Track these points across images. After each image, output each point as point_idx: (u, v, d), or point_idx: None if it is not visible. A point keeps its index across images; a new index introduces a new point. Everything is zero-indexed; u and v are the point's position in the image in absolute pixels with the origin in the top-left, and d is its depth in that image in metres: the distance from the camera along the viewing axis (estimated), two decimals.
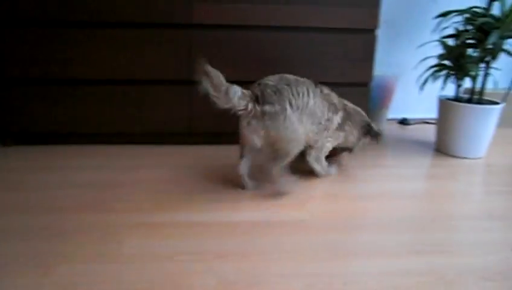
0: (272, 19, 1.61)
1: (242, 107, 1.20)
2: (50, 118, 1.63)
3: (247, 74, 1.65)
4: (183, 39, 1.60)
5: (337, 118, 1.39)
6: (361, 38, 1.67)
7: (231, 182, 1.39)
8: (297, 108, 1.25)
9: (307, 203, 1.27)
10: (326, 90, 1.37)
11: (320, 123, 1.33)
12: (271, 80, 1.26)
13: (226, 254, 0.99)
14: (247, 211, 1.21)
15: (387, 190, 1.39)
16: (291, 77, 1.29)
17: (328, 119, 1.35)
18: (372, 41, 1.67)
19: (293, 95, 1.24)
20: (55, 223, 1.11)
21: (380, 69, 2.16)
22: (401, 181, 1.47)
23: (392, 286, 0.88)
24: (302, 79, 1.30)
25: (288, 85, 1.25)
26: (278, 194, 1.30)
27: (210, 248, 1.01)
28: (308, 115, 1.28)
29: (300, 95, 1.25)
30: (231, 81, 1.63)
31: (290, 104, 1.23)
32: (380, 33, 2.13)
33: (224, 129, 1.71)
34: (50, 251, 0.99)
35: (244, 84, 1.64)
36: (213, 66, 1.62)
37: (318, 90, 1.33)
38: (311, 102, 1.28)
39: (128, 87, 1.64)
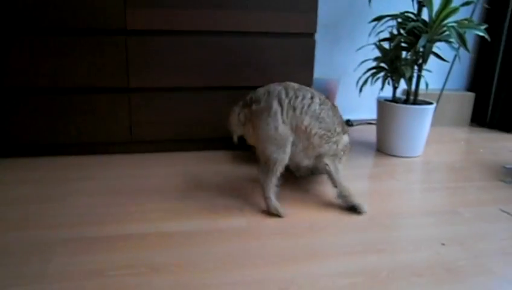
0: (211, 24, 1.59)
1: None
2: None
3: (186, 79, 1.63)
4: (118, 45, 1.54)
5: (346, 138, 1.35)
6: (300, 42, 1.69)
7: (168, 191, 1.36)
8: (293, 108, 1.21)
9: (245, 210, 1.26)
10: (336, 107, 1.34)
11: (329, 131, 1.27)
12: (270, 86, 1.27)
13: (161, 266, 0.96)
14: (183, 221, 1.18)
15: (327, 191, 1.41)
16: (295, 84, 1.28)
17: (338, 134, 1.29)
18: (311, 45, 1.70)
19: (287, 95, 1.22)
20: None
21: (321, 72, 2.21)
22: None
23: (326, 288, 0.89)
24: (310, 88, 1.29)
25: (285, 88, 1.24)
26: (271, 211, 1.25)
27: (144, 261, 0.98)
28: (312, 117, 1.23)
29: (300, 97, 1.22)
30: (172, 87, 1.62)
31: (280, 103, 1.21)
32: (320, 37, 2.19)
33: (164, 136, 1.68)
34: None
35: (184, 90, 1.63)
36: (151, 72, 1.60)
37: (329, 102, 1.30)
38: (317, 107, 1.24)
39: (68, 96, 1.56)
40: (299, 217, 1.22)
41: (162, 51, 1.58)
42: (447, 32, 1.60)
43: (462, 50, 1.58)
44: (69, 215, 1.19)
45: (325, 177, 1.40)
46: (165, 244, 1.05)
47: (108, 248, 1.03)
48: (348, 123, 2.32)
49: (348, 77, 2.28)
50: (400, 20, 1.71)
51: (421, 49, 1.65)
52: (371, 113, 2.38)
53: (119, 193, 1.34)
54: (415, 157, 1.80)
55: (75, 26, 1.50)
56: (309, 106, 1.23)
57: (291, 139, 1.23)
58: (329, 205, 1.31)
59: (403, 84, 1.84)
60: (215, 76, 1.65)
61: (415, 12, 1.73)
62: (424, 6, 1.70)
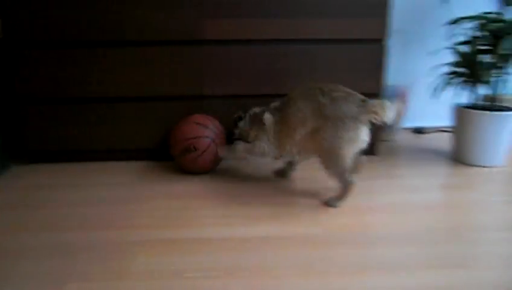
0: (279, 32, 1.61)
1: None
2: (65, 136, 1.66)
3: (256, 87, 1.66)
4: (196, 55, 1.61)
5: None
6: (370, 48, 1.65)
7: (242, 195, 1.39)
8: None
9: (320, 217, 1.25)
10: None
11: None
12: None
13: (237, 270, 0.98)
14: (259, 226, 1.19)
15: (401, 201, 1.36)
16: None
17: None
18: (381, 51, 1.66)
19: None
20: (66, 240, 1.12)
21: (393, 78, 2.15)
22: (416, 192, 1.44)
23: None
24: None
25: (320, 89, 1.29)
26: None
27: (221, 265, 1.00)
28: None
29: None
30: (242, 95, 1.66)
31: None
32: (392, 42, 2.12)
33: None
34: (62, 268, 0.99)
35: (253, 98, 1.66)
36: (222, 81, 1.64)
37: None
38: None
39: (142, 104, 1.65)
40: (374, 227, 1.19)
41: (232, 60, 1.62)
42: None
43: None
44: (147, 217, 1.25)
45: (405, 186, 1.36)
46: (241, 249, 1.07)
47: (186, 250, 1.07)
48: (419, 130, 2.23)
49: (420, 83, 2.20)
50: (480, 21, 1.61)
51: (504, 52, 1.54)
52: (443, 120, 2.27)
53: (194, 197, 1.39)
54: (495, 167, 1.68)
55: (160, 38, 1.59)
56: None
57: None
58: (405, 215, 1.26)
59: (481, 90, 1.73)
60: (283, 83, 1.67)
61: (497, 12, 1.63)
62: (509, 5, 1.60)
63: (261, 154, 1.41)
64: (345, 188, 1.30)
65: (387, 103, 1.22)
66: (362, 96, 1.26)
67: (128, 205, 1.33)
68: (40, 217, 1.25)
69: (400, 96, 2.00)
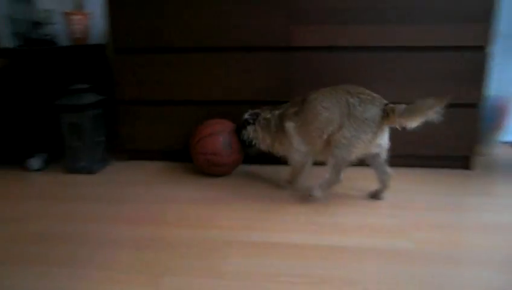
0: (372, 39, 1.57)
1: None
2: (162, 136, 1.76)
3: None
4: (282, 61, 1.63)
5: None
6: (472, 56, 1.55)
7: (347, 204, 1.37)
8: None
9: (411, 232, 1.19)
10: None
11: None
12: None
13: (331, 279, 0.97)
14: (353, 236, 1.17)
15: (498, 221, 1.25)
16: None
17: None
18: (483, 59, 1.55)
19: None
20: (162, 235, 1.19)
21: (494, 88, 1.99)
22: None
23: None
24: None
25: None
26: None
27: (315, 272, 1.00)
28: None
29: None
30: None
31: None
32: (496, 49, 1.97)
33: None
34: (157, 262, 1.05)
35: None
36: (310, 88, 1.64)
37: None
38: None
39: (228, 107, 1.71)
40: (465, 246, 1.11)
41: (320, 67, 1.62)
42: None
43: None
44: (236, 218, 1.29)
45: (503, 205, 1.26)
46: (333, 257, 1.06)
47: (280, 254, 1.08)
48: None
49: None
50: None
51: None
52: None
53: (286, 201, 1.40)
54: None
55: (247, 44, 1.64)
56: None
57: None
58: (499, 236, 1.16)
59: None
60: (380, 92, 1.62)
61: None
62: None
63: (300, 166, 1.44)
64: (331, 182, 1.35)
65: (402, 107, 1.22)
66: (385, 100, 1.27)
67: (216, 205, 1.38)
68: (136, 211, 1.34)
69: (500, 107, 1.86)
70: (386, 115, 1.24)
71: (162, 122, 1.75)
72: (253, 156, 1.62)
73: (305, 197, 1.39)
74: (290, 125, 1.40)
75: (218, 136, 1.55)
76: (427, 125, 1.23)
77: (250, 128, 1.51)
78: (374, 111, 1.25)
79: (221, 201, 1.41)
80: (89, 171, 1.70)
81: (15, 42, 1.73)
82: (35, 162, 1.73)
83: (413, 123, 1.22)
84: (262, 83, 1.66)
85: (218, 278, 0.98)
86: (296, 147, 1.41)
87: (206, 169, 1.60)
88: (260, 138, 1.50)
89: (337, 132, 1.30)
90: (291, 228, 1.22)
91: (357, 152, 1.30)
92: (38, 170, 1.75)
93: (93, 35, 2.10)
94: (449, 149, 1.66)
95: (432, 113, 1.18)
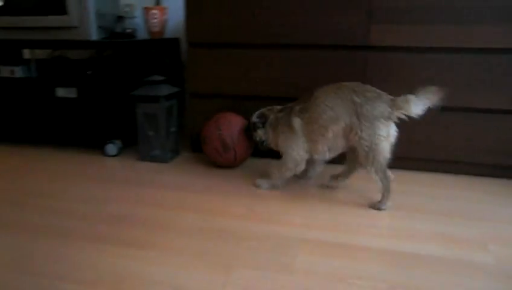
0: (454, 40, 1.50)
1: None
2: None
3: None
4: (359, 60, 1.60)
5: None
6: None
7: (404, 209, 1.34)
8: None
9: (491, 245, 1.13)
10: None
11: None
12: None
13: (402, 286, 0.95)
14: (427, 244, 1.13)
15: None
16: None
17: None
18: None
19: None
20: (230, 227, 1.22)
21: None
22: None
23: None
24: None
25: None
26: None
27: (384, 277, 0.98)
28: None
29: None
30: None
31: None
32: None
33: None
34: (228, 253, 1.08)
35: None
36: (386, 88, 1.60)
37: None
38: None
39: None
40: None
41: (401, 68, 1.57)
42: None
43: None
44: (304, 217, 1.29)
45: None
46: (402, 264, 1.03)
47: (347, 255, 1.07)
48: None
49: None
50: None
51: None
52: None
53: (348, 204, 1.38)
54: None
55: (321, 42, 1.63)
56: None
57: None
58: None
59: None
60: (451, 95, 1.55)
61: None
62: None
63: (295, 166, 1.43)
64: (387, 185, 1.33)
65: (413, 97, 1.25)
66: (390, 96, 1.29)
67: (287, 202, 1.39)
68: (203, 202, 1.39)
69: None
70: (399, 108, 1.27)
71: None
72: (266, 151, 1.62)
73: (374, 205, 1.36)
74: (296, 121, 1.41)
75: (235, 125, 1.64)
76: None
77: (260, 132, 1.53)
78: (382, 107, 1.27)
79: (294, 198, 1.43)
80: (162, 160, 1.78)
81: (100, 35, 1.84)
82: (112, 148, 1.85)
83: (419, 111, 1.26)
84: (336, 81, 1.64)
85: (288, 274, 0.99)
86: (298, 145, 1.41)
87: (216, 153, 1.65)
88: (270, 138, 1.51)
89: (349, 132, 1.32)
90: (365, 231, 1.21)
91: (384, 148, 1.29)
92: (114, 155, 1.86)
93: (169, 29, 2.19)
94: None
95: (435, 99, 1.25)
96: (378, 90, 1.31)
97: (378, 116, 1.27)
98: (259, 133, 1.54)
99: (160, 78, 1.75)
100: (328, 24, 1.60)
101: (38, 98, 1.89)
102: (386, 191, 1.33)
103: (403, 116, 1.28)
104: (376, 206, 1.35)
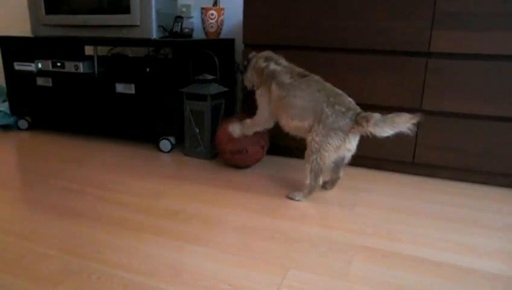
0: None
1: None
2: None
3: (483, 107, 1.50)
4: (418, 67, 1.56)
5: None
6: None
7: (478, 225, 1.28)
8: None
9: None
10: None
11: None
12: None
13: None
14: (486, 260, 1.08)
15: None
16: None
17: None
18: None
19: None
20: (284, 228, 1.21)
21: None
22: None
23: None
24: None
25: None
26: None
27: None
28: None
29: None
30: (464, 114, 1.53)
31: None
32: None
33: (449, 163, 1.59)
34: (284, 254, 1.08)
35: (479, 118, 1.50)
36: (446, 96, 1.54)
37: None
38: None
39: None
40: None
41: (462, 76, 1.51)
42: None
43: None
44: (358, 223, 1.27)
45: None
46: (462, 280, 0.99)
47: (404, 266, 1.04)
48: None
49: None
50: None
51: None
52: None
53: (403, 212, 1.34)
54: None
55: (379, 47, 1.59)
56: None
57: None
58: None
59: None
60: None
61: None
62: None
63: (263, 124, 1.55)
64: (311, 188, 1.40)
65: (376, 118, 1.27)
66: (359, 110, 1.33)
67: (344, 208, 1.37)
68: (252, 200, 1.39)
69: None
70: (358, 124, 1.30)
71: None
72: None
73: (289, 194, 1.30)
74: (274, 89, 1.47)
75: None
76: None
77: (248, 75, 1.60)
78: (343, 122, 1.32)
79: (342, 202, 1.41)
80: (205, 157, 1.82)
81: (160, 34, 1.90)
82: (166, 144, 1.90)
83: (384, 133, 1.28)
84: (392, 87, 1.60)
85: (343, 280, 0.97)
86: (265, 111, 1.52)
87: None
88: (254, 82, 1.58)
89: (308, 130, 1.39)
90: (422, 241, 1.17)
91: (328, 156, 1.35)
92: (167, 151, 1.91)
93: (224, 29, 2.23)
94: None
95: (405, 127, 1.25)
96: (349, 105, 1.35)
97: (335, 128, 1.33)
98: (248, 76, 1.60)
99: (210, 77, 1.78)
100: (391, 30, 1.56)
101: (100, 93, 1.98)
102: (309, 190, 1.41)
103: (367, 133, 1.31)
104: (290, 195, 1.44)
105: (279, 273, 0.99)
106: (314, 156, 1.36)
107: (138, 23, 1.85)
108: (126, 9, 1.85)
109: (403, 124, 1.25)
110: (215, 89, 1.78)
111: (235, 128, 1.61)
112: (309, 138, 1.38)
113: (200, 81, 1.78)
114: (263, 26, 1.73)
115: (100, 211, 1.31)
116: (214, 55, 1.84)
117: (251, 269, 1.01)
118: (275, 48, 1.73)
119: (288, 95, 1.42)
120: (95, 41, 1.95)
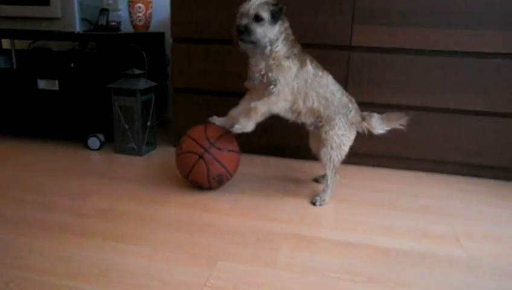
0: (433, 43, 1.54)
1: None
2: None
3: (401, 98, 1.61)
4: (341, 60, 1.63)
5: None
6: None
7: (397, 207, 1.37)
8: None
9: (463, 240, 1.17)
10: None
11: None
12: None
13: (381, 279, 0.98)
14: (403, 240, 1.17)
15: None
16: None
17: None
18: None
19: None
20: (212, 221, 1.23)
21: None
22: None
23: None
24: None
25: None
26: None
27: (364, 271, 1.01)
28: None
29: None
30: (386, 105, 1.63)
31: None
32: None
33: (377, 152, 1.69)
34: (213, 246, 1.10)
35: (396, 108, 1.61)
36: (365, 88, 1.63)
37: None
38: None
39: None
40: None
41: (382, 68, 1.60)
42: None
43: None
44: (287, 211, 1.31)
45: None
46: (381, 259, 1.07)
47: (328, 250, 1.10)
48: None
49: None
50: None
51: None
52: None
53: (338, 200, 1.41)
54: None
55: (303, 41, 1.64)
56: None
57: None
58: None
59: None
60: (435, 97, 1.59)
61: None
62: None
63: (282, 99, 1.30)
64: (333, 184, 1.39)
65: (377, 115, 1.38)
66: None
67: (266, 197, 1.41)
68: (183, 195, 1.39)
69: None
70: (363, 120, 1.38)
71: (212, 112, 1.79)
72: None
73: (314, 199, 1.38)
74: (309, 68, 1.32)
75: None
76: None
77: (274, 26, 1.27)
78: (357, 118, 1.37)
79: (272, 193, 1.45)
80: (137, 153, 1.78)
81: (84, 27, 1.82)
82: (94, 142, 1.83)
83: (380, 130, 1.39)
84: None
85: (271, 268, 1.01)
86: (289, 85, 1.30)
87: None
88: (272, 40, 1.28)
89: (316, 118, 1.36)
90: (343, 226, 1.24)
91: (346, 151, 1.37)
92: (97, 149, 1.84)
93: (154, 23, 2.18)
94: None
95: (399, 125, 1.37)
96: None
97: (353, 123, 1.36)
98: (269, 29, 1.26)
99: (138, 71, 1.75)
100: (313, 24, 1.62)
101: (20, 90, 1.86)
102: (331, 189, 1.38)
103: (364, 130, 1.39)
104: (317, 202, 1.36)
105: (209, 266, 1.01)
106: (335, 153, 1.34)
107: (59, 16, 1.76)
108: (45, 1, 1.75)
109: (396, 121, 1.37)
110: (144, 84, 1.75)
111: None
112: (330, 132, 1.33)
113: (128, 76, 1.74)
114: (192, 20, 1.72)
115: (22, 214, 1.24)
116: (143, 49, 1.79)
117: (180, 263, 1.02)
118: (204, 42, 1.73)
119: (322, 78, 1.33)
120: (11, 34, 1.82)
